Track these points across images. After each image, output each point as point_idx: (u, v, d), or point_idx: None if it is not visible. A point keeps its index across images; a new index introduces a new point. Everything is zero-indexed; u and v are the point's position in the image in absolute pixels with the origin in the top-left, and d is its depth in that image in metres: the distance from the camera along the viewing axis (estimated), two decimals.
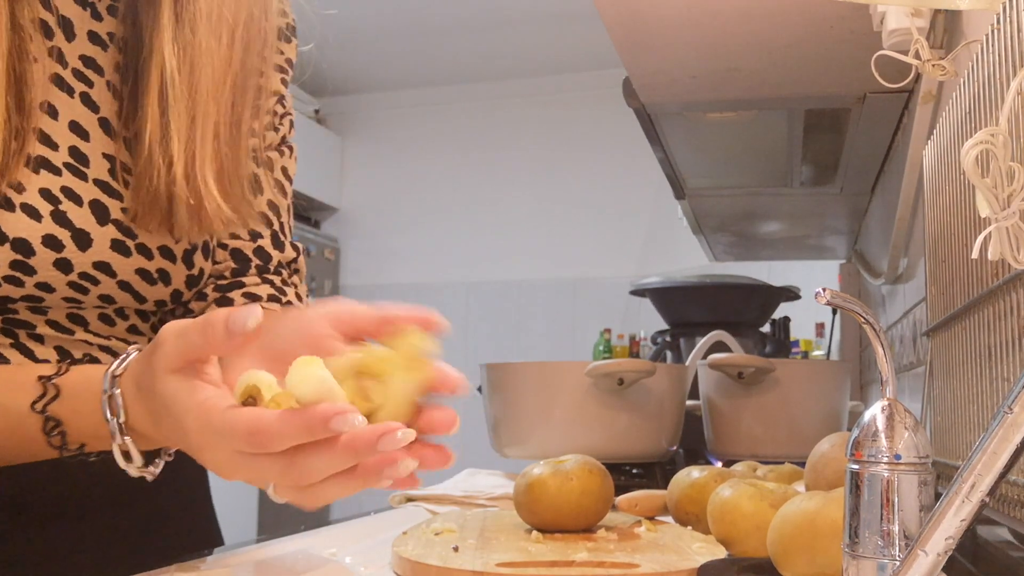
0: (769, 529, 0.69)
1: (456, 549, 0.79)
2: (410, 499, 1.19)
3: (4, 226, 0.73)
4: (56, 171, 0.77)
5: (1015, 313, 0.59)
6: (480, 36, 4.36)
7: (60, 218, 0.76)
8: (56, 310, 0.79)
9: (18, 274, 0.75)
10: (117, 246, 0.80)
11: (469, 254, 4.84)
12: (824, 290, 0.55)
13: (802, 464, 0.92)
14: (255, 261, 0.92)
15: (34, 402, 0.68)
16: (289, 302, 0.93)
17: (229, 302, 0.90)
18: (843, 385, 1.50)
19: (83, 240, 0.77)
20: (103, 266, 0.79)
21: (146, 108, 0.81)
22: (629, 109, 1.39)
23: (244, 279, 0.92)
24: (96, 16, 0.85)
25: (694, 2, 1.05)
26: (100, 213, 0.79)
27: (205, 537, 0.99)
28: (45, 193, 0.76)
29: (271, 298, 0.91)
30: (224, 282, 0.91)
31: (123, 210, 0.81)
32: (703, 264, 2.76)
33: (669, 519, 0.99)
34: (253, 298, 0.90)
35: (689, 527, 0.93)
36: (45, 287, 0.76)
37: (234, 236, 0.91)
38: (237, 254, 0.91)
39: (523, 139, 4.84)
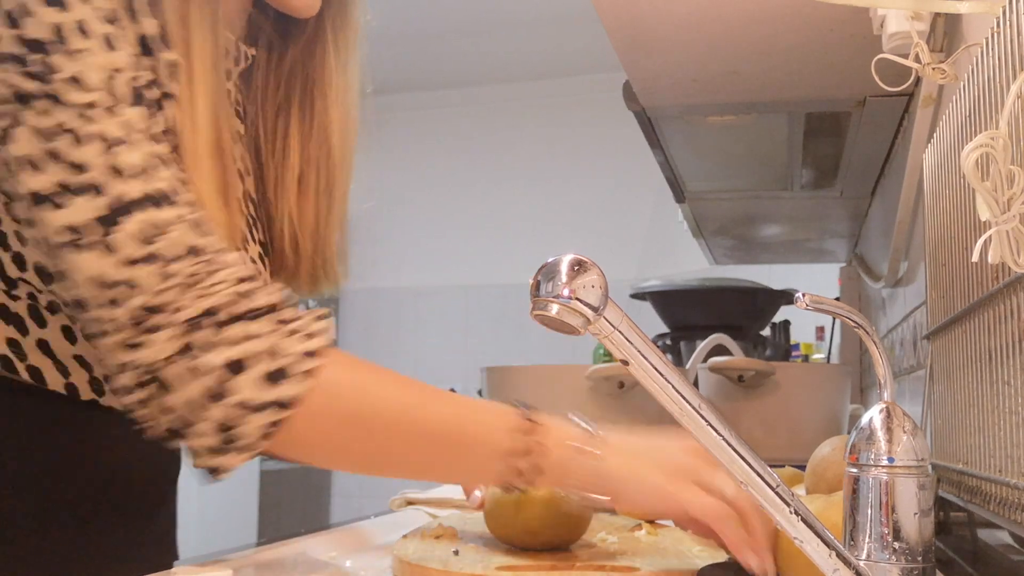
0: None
1: (457, 553, 0.79)
2: (410, 503, 1.19)
3: None
4: None
5: (1015, 316, 0.59)
6: (479, 40, 4.36)
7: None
8: None
9: None
10: None
11: (469, 257, 4.84)
12: (804, 295, 0.55)
13: (803, 467, 0.92)
14: None
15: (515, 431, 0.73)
16: None
17: None
18: (843, 388, 1.50)
19: None
20: None
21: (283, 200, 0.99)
22: (629, 112, 1.39)
23: None
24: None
25: (694, 5, 1.05)
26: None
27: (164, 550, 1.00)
28: None
29: None
30: None
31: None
32: (703, 267, 2.76)
33: (669, 522, 0.99)
34: None
35: (689, 530, 0.93)
36: None
37: None
38: None
39: (523, 142, 4.84)
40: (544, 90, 4.79)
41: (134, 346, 0.68)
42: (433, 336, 4.82)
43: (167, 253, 0.69)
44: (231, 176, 0.83)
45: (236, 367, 0.68)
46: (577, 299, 0.46)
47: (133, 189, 0.70)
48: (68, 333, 0.81)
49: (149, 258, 0.69)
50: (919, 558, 0.56)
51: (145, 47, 0.76)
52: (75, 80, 0.71)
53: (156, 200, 0.71)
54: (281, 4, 0.92)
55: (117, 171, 0.70)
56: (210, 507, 3.67)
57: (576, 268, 0.47)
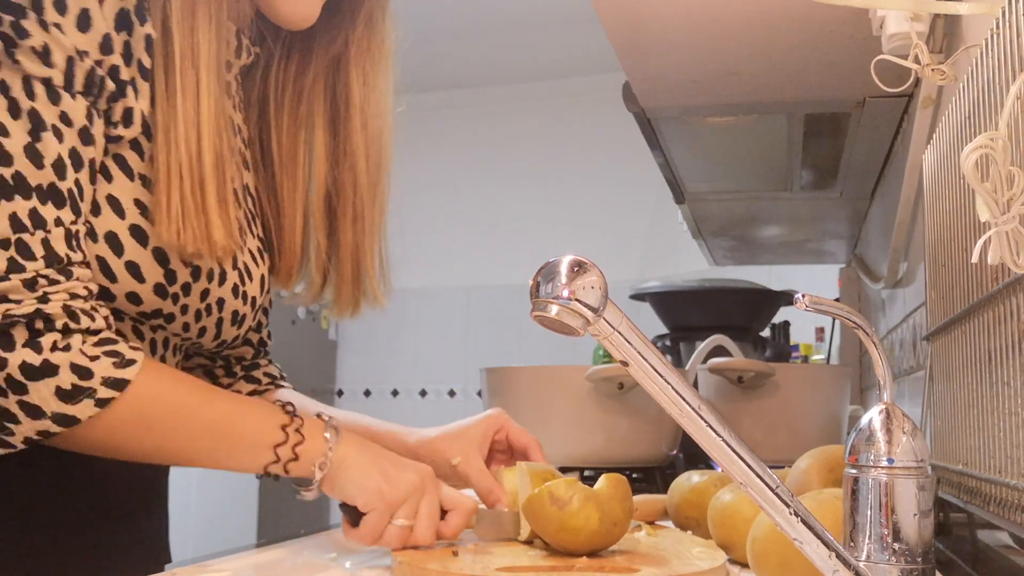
0: (748, 535, 0.69)
1: (456, 554, 0.79)
2: None
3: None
4: None
5: (1015, 317, 0.59)
6: (479, 40, 4.36)
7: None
8: (162, 332, 0.88)
9: (181, 293, 0.83)
10: (234, 289, 0.89)
11: (469, 258, 4.84)
12: (803, 296, 0.55)
13: None
14: (265, 344, 1.10)
15: (278, 445, 0.81)
16: (284, 376, 1.13)
17: (256, 380, 1.09)
18: (843, 389, 1.50)
19: (223, 277, 0.87)
20: (220, 302, 0.88)
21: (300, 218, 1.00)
22: (629, 113, 1.39)
23: (259, 360, 1.10)
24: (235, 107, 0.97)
25: (694, 6, 1.05)
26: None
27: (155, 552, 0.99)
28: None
29: (281, 375, 1.12)
30: (247, 363, 1.09)
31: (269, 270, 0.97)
32: (703, 268, 2.76)
33: (669, 523, 0.99)
34: (272, 377, 1.10)
35: (689, 532, 0.93)
36: (184, 309, 0.85)
37: (250, 328, 1.06)
38: (249, 342, 1.07)
39: (523, 143, 4.83)
40: (544, 91, 4.79)
41: None
42: (433, 337, 4.82)
43: (23, 247, 0.71)
44: (228, 176, 0.83)
45: (36, 372, 0.71)
46: (577, 300, 0.46)
47: (28, 174, 0.71)
48: None
49: (4, 243, 0.71)
50: (919, 559, 0.56)
51: (122, 21, 0.76)
52: (38, 52, 0.71)
53: (44, 195, 0.72)
54: (273, 15, 0.91)
55: (23, 152, 0.71)
56: (210, 508, 3.67)
57: (576, 269, 0.47)
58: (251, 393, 1.08)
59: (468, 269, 4.83)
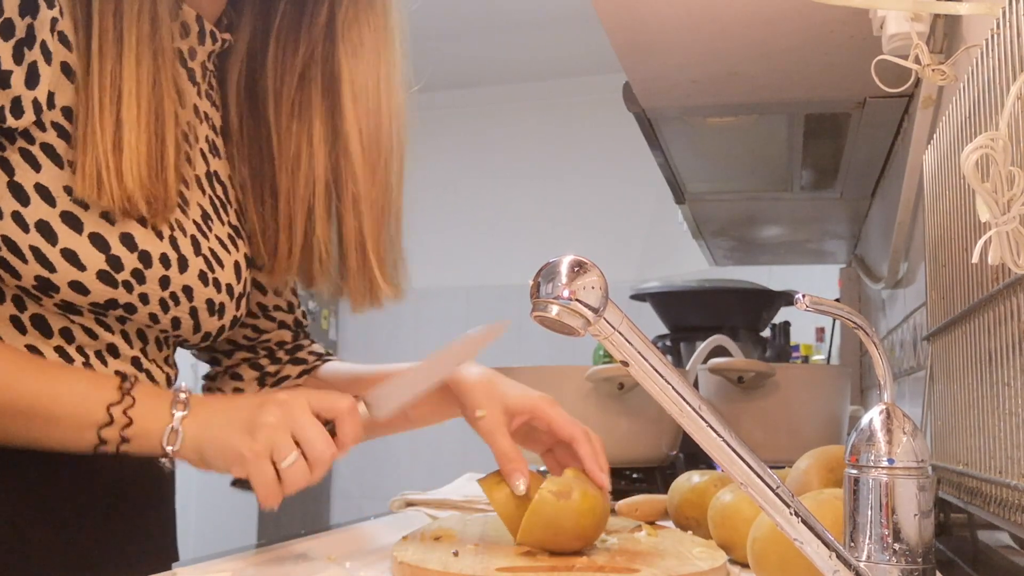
0: (749, 535, 0.69)
1: (456, 554, 0.79)
2: (410, 504, 1.19)
3: (137, 238, 0.81)
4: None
5: (1015, 317, 0.59)
6: (479, 40, 4.36)
7: (174, 242, 0.85)
8: (131, 324, 0.86)
9: (133, 280, 0.81)
10: (202, 276, 0.88)
11: (469, 258, 4.84)
12: (804, 296, 0.55)
13: None
14: (303, 324, 1.11)
15: (111, 405, 0.77)
16: (330, 353, 1.13)
17: (302, 361, 1.09)
18: (843, 390, 1.50)
19: (183, 264, 0.85)
20: (187, 290, 0.87)
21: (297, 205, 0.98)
22: (629, 113, 1.39)
23: (302, 342, 1.11)
24: (209, 100, 0.96)
25: (694, 7, 1.05)
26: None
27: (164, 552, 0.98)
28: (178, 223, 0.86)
29: (327, 352, 1.12)
30: (289, 346, 1.09)
31: (246, 256, 0.95)
32: (703, 268, 2.76)
33: (670, 524, 0.99)
34: (318, 354, 1.10)
35: (689, 532, 0.93)
36: (144, 298, 0.83)
37: (277, 308, 1.07)
38: (284, 324, 1.08)
39: (523, 143, 4.84)
40: (544, 91, 4.79)
41: None
42: (433, 337, 4.81)
43: None
44: (167, 146, 0.82)
45: None
46: (577, 300, 0.46)
47: None
48: (17, 323, 0.81)
49: None
50: (919, 559, 0.56)
51: (27, 5, 0.74)
52: None
53: None
54: None
55: None
56: (210, 508, 3.67)
57: (576, 269, 0.47)
58: (300, 374, 1.08)
59: (468, 269, 4.83)
